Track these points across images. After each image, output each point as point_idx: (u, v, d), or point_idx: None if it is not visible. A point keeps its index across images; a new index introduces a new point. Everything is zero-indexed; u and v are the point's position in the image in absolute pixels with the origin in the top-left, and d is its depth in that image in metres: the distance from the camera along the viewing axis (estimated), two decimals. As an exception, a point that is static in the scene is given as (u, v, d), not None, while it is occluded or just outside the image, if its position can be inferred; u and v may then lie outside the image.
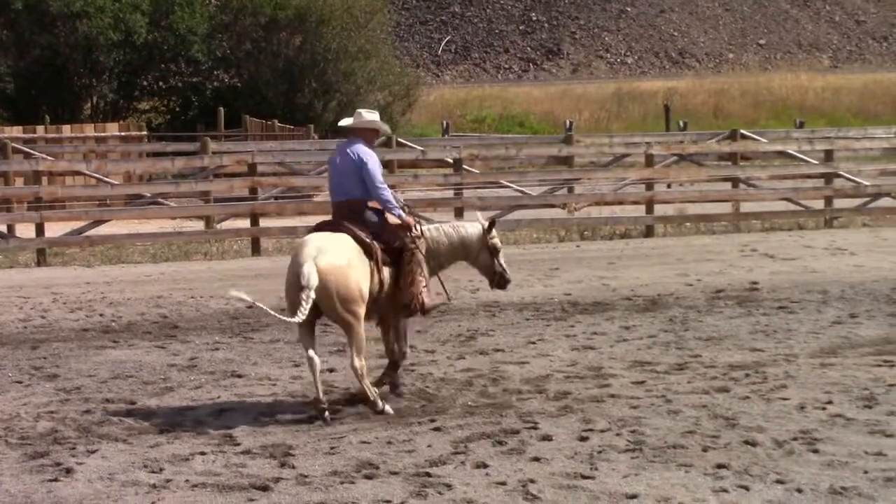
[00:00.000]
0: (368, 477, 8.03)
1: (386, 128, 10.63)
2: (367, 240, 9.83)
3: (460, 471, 8.14)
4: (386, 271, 9.95)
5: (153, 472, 8.25)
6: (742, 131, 24.72)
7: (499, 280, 10.64)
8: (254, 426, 9.41)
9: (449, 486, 7.79)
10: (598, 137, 27.17)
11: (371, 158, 10.06)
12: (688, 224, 23.08)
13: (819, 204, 23.65)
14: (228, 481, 7.99)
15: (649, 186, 23.23)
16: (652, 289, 15.94)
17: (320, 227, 10.05)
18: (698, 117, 45.12)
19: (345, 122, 10.43)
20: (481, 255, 10.56)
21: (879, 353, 11.57)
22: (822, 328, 12.99)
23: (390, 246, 9.98)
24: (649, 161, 23.07)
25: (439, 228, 10.60)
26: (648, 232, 22.40)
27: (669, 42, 66.01)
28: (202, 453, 8.66)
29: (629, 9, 67.43)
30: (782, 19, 68.32)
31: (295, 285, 9.43)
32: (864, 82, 53.66)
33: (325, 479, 7.99)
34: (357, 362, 9.57)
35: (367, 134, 10.31)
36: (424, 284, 10.08)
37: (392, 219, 10.06)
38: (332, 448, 8.74)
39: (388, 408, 9.75)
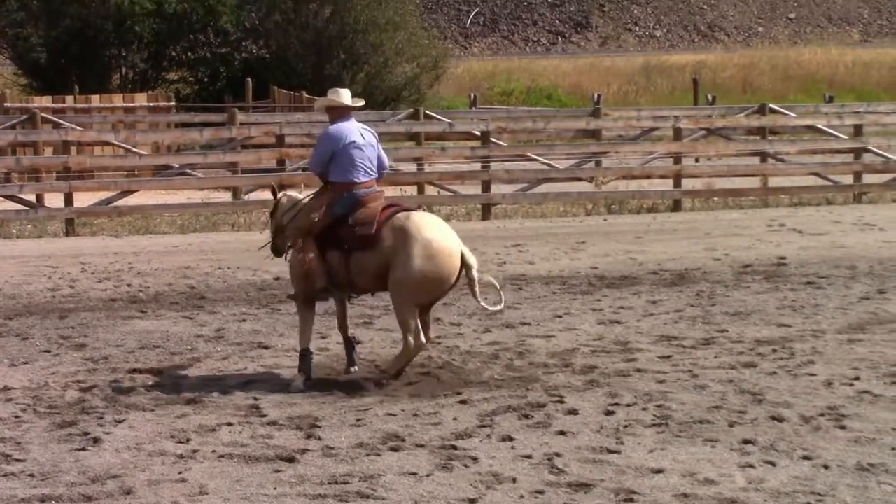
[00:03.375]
0: (394, 449, 8.03)
1: (337, 99, 10.11)
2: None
3: (486, 444, 8.12)
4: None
5: (180, 442, 8.27)
6: (771, 105, 24.56)
7: None
8: (280, 397, 9.42)
9: (475, 459, 7.78)
10: (626, 111, 27.04)
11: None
12: (716, 198, 22.96)
13: (848, 179, 23.47)
14: (255, 452, 8.00)
15: (677, 160, 23.09)
16: (679, 263, 15.88)
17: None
18: (727, 91, 44.86)
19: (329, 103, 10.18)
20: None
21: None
22: (850, 304, 12.92)
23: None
24: (677, 135, 22.94)
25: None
26: (676, 206, 22.29)
27: (698, 15, 65.60)
28: (229, 424, 8.68)
29: (662, -19, 67.02)
30: (813, -7, 67.79)
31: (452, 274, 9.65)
32: (895, 57, 53.18)
33: (350, 451, 7.99)
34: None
35: (334, 112, 10.13)
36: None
37: None
38: (357, 420, 8.74)
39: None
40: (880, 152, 23.64)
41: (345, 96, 10.17)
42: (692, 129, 23.53)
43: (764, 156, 23.74)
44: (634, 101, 44.64)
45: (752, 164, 23.89)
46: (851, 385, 9.53)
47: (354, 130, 10.06)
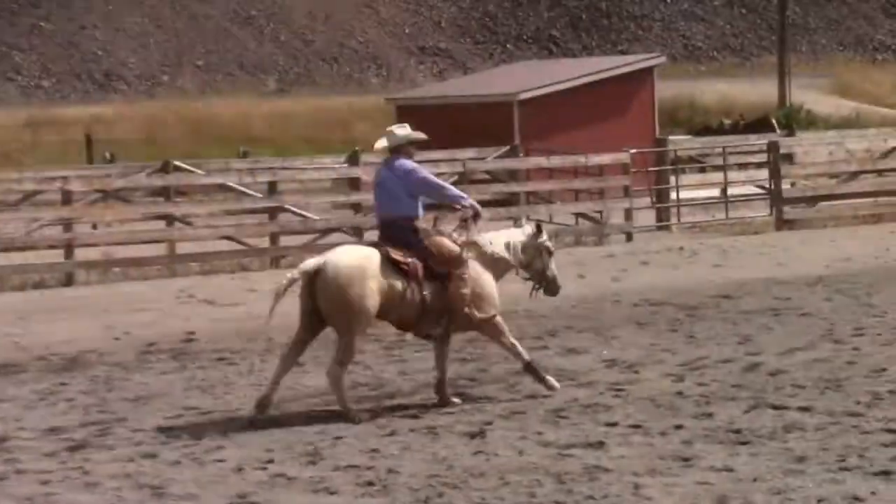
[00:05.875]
0: None
1: (420, 136, 11.92)
2: (407, 259, 11.39)
3: None
4: (431, 287, 11.46)
5: None
6: (176, 162, 24.83)
7: (549, 285, 12.31)
8: None
9: None
10: (6, 173, 26.51)
11: (413, 170, 11.64)
12: (116, 269, 22.88)
13: (264, 242, 24.12)
14: None
15: (68, 227, 22.84)
16: (72, 345, 15.71)
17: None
18: (129, 147, 45.00)
19: (381, 144, 11.88)
20: (535, 261, 12.16)
21: (326, 404, 11.93)
22: (266, 379, 13.23)
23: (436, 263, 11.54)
24: (67, 198, 22.70)
25: (497, 237, 12.22)
26: (68, 280, 22.03)
27: (93, 63, 65.59)
28: None
29: (44, 23, 66.43)
30: (222, 38, 69.66)
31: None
32: (314, 107, 55.62)
33: None
34: (336, 368, 11.28)
35: (406, 150, 11.80)
36: (468, 296, 11.57)
37: (434, 238, 11.65)
38: None
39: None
40: (298, 211, 24.46)
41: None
42: (86, 191, 23.41)
43: (170, 219, 23.97)
44: (18, 160, 43.85)
45: (157, 230, 24.06)
46: (265, 469, 9.77)
47: None
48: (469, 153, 27.00)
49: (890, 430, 10.06)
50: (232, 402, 12.22)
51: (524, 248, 12.17)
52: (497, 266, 12.04)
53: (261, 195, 24.66)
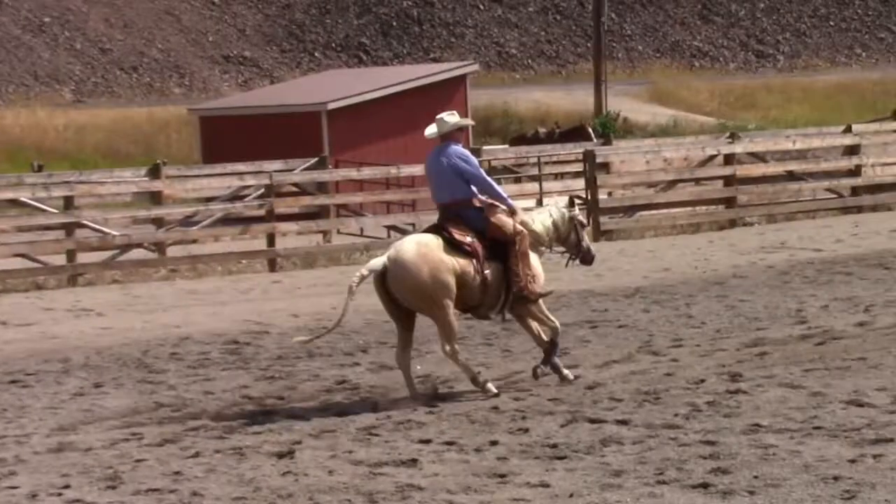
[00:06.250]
0: None
1: (468, 122, 13.28)
2: (466, 239, 12.20)
3: None
4: (491, 266, 12.31)
5: None
6: (-31, 178, 24.39)
7: (585, 255, 13.48)
8: None
9: None
10: None
11: (468, 158, 12.44)
12: None
13: (61, 259, 23.76)
14: None
15: None
16: None
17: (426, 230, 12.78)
18: (-87, 162, 44.08)
19: (431, 131, 12.58)
20: (571, 234, 13.23)
21: (127, 426, 11.80)
22: (63, 402, 13.15)
23: (495, 241, 12.40)
24: None
25: (538, 217, 13.11)
26: None
27: None
28: None
29: None
30: (13, 46, 68.39)
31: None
32: (113, 118, 54.96)
33: None
34: (446, 347, 12.34)
35: (455, 136, 12.66)
36: (531, 274, 12.52)
37: (498, 214, 12.50)
38: None
39: (490, 385, 12.36)
40: (96, 227, 24.13)
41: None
42: None
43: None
44: None
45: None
46: (60, 495, 9.64)
47: None
48: (276, 165, 26.96)
49: (708, 443, 10.18)
50: (26, 426, 12.00)
51: (559, 223, 13.12)
52: (536, 244, 12.92)
53: (56, 210, 24.30)
